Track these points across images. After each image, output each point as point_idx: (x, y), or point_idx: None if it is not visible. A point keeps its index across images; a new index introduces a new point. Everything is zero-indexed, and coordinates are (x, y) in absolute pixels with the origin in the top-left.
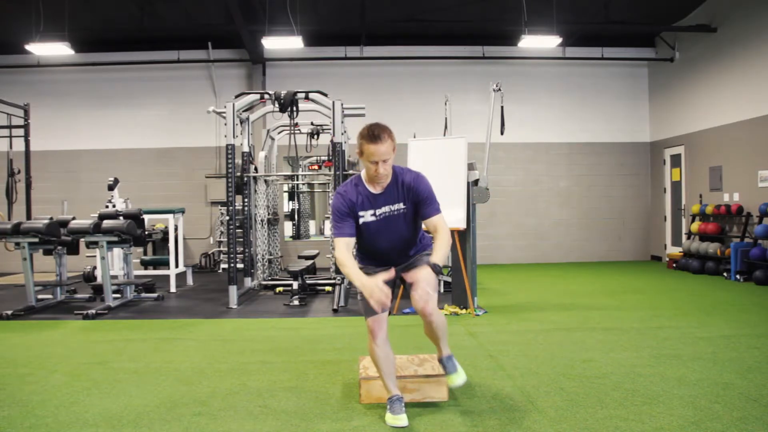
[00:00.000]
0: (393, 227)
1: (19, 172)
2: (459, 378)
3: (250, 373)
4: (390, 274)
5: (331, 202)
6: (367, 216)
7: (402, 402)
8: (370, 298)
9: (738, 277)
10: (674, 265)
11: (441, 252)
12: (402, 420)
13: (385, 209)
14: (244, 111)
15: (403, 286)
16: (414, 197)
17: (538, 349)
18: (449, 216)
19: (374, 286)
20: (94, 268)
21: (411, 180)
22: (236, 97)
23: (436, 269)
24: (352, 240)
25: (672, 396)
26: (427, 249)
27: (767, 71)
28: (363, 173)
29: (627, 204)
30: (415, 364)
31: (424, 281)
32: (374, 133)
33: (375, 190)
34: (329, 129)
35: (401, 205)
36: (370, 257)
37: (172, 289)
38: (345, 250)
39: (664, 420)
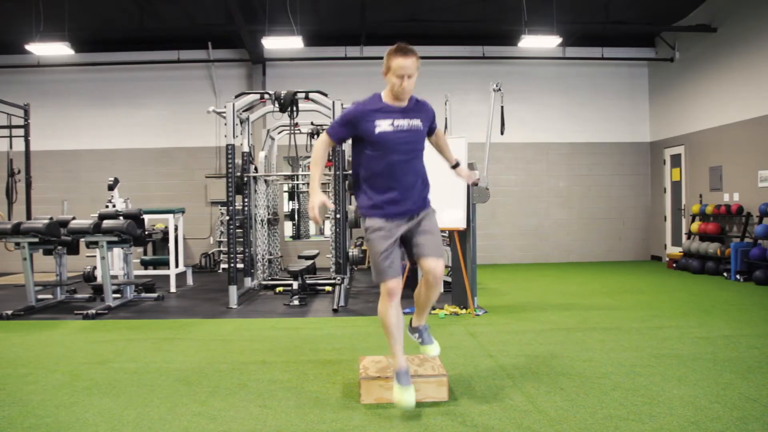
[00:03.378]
0: (406, 147)
1: (19, 172)
2: (435, 349)
3: (250, 373)
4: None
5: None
6: (384, 125)
7: (409, 375)
8: (311, 210)
9: (738, 277)
10: (674, 265)
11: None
12: (410, 393)
13: (403, 123)
14: (244, 111)
15: (409, 259)
16: (425, 114)
17: (538, 349)
18: (449, 216)
19: (317, 203)
20: (94, 268)
21: (422, 100)
22: (236, 97)
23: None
24: (330, 146)
25: (672, 396)
26: (429, 203)
27: (767, 71)
28: (383, 93)
29: (627, 204)
30: (415, 364)
31: (436, 246)
32: (403, 48)
33: (394, 104)
34: None
35: (418, 122)
36: (383, 190)
37: (172, 289)
38: (325, 147)
39: (664, 420)
